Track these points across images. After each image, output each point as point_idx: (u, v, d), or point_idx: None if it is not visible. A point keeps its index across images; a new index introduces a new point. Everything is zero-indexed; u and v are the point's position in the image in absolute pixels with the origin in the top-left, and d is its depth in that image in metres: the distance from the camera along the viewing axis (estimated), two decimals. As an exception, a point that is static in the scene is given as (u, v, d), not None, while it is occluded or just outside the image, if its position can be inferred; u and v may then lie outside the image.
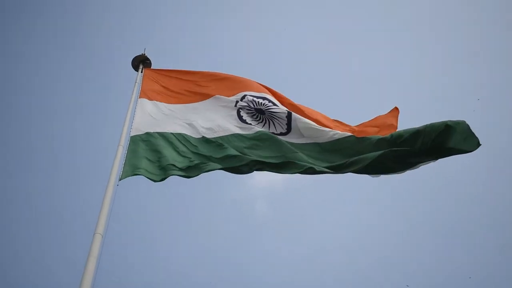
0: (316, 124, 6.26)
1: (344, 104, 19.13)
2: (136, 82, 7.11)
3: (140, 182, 5.45)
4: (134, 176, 5.28)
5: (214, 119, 6.35)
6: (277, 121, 6.38)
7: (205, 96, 6.88)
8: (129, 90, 6.90)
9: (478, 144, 4.85)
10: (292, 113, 6.45)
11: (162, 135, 6.03)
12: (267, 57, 21.61)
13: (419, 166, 5.48)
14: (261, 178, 20.89)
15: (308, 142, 6.06)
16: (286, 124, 6.35)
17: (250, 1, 22.32)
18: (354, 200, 16.96)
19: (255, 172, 5.73)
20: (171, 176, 5.38)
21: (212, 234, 16.20)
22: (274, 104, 6.63)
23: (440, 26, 21.19)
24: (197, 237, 16.14)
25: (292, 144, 5.94)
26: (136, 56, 7.67)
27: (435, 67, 20.53)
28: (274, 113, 6.47)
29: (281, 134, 6.22)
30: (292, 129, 6.28)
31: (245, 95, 6.76)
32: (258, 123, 6.34)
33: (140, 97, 6.68)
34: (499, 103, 18.29)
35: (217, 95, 6.82)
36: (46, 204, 16.26)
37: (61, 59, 19.49)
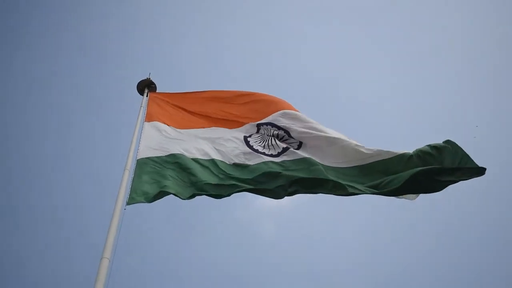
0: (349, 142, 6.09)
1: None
2: (141, 106, 7.15)
3: (146, 204, 5.45)
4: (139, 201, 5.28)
5: (240, 147, 6.34)
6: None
7: (233, 124, 6.92)
8: (135, 114, 6.96)
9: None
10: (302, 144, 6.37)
11: (184, 157, 6.01)
12: (275, 73, 21.78)
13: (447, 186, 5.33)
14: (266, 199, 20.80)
15: (346, 166, 5.86)
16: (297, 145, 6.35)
17: (254, 16, 22.60)
18: (363, 215, 16.87)
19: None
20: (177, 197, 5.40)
21: (221, 255, 16.13)
22: (289, 135, 6.54)
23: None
24: (202, 260, 16.07)
25: (326, 167, 5.81)
26: (141, 81, 7.74)
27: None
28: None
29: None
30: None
31: (267, 123, 6.76)
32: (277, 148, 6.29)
33: (146, 121, 6.71)
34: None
35: (245, 125, 6.86)
36: (53, 227, 16.29)
37: (67, 84, 19.72)
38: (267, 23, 22.80)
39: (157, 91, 7.77)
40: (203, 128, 6.86)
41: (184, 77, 19.58)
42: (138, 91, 7.72)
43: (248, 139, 6.49)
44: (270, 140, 6.44)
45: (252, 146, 6.32)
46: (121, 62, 20.99)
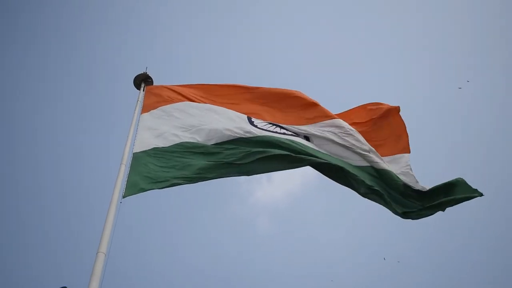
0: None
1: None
2: (138, 100, 7.09)
3: (143, 198, 5.45)
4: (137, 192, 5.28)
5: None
6: None
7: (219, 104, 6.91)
8: (132, 108, 6.90)
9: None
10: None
11: (181, 144, 6.01)
12: (270, 68, 21.76)
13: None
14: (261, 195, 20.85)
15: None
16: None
17: (253, 11, 22.54)
18: (357, 212, 16.91)
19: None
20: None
21: (216, 250, 16.14)
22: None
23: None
24: (200, 254, 16.07)
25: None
26: (138, 75, 7.67)
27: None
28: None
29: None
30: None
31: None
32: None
33: (142, 113, 6.65)
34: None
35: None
36: (49, 222, 16.25)
37: (63, 81, 19.63)
38: (265, 18, 22.76)
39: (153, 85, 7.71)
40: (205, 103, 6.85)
41: (181, 72, 19.52)
42: (134, 86, 7.67)
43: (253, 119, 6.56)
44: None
45: (257, 125, 6.41)
46: (118, 57, 20.90)
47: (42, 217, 16.24)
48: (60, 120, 18.96)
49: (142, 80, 7.64)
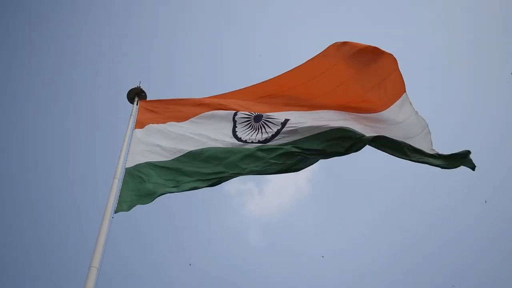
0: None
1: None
2: (131, 114, 7.10)
3: (136, 213, 5.48)
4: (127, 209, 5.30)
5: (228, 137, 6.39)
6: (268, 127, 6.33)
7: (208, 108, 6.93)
8: (126, 123, 6.93)
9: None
10: (289, 120, 6.28)
11: (176, 158, 6.06)
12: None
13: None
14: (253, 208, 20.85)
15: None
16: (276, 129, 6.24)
17: (246, 22, 22.68)
18: (349, 227, 16.91)
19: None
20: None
21: (208, 264, 16.08)
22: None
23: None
24: (190, 266, 16.02)
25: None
26: (131, 89, 7.68)
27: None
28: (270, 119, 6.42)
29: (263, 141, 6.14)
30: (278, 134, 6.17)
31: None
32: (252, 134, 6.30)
33: (136, 128, 6.69)
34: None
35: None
36: (42, 236, 16.14)
37: (59, 94, 19.64)
38: (259, 29, 22.93)
39: (147, 99, 7.74)
40: (198, 115, 6.87)
41: (175, 86, 19.59)
42: (128, 100, 7.67)
43: (236, 129, 6.51)
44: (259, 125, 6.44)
45: (240, 137, 6.32)
46: (112, 71, 20.96)
47: (35, 230, 16.14)
48: (51, 134, 18.94)
49: (136, 94, 7.65)
